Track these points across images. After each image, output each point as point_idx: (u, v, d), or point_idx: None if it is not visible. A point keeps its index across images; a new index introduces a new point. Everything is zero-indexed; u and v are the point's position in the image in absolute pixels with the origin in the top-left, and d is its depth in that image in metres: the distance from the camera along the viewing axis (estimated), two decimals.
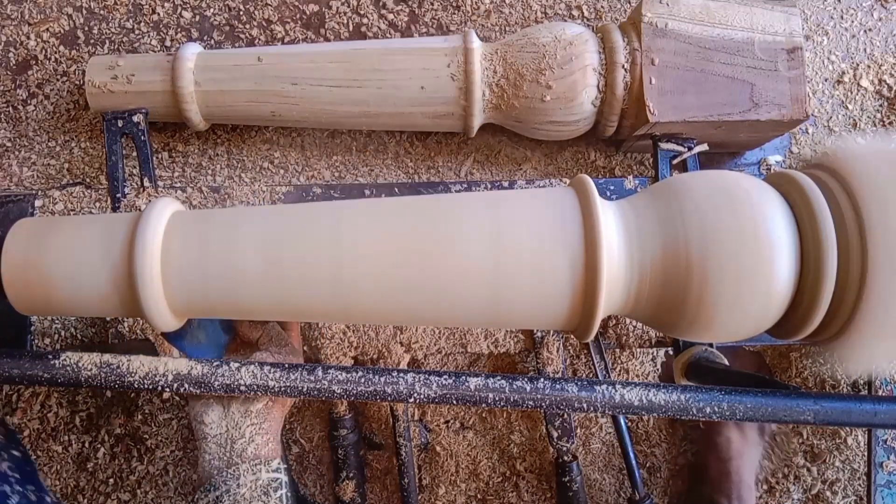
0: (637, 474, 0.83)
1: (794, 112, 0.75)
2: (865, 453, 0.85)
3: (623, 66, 0.75)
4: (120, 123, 0.79)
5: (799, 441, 0.89)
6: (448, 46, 0.77)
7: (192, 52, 0.78)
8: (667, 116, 0.74)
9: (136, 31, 0.90)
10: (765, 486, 0.89)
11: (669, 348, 0.87)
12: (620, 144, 0.87)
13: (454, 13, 0.91)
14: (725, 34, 0.75)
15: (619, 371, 0.89)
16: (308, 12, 0.91)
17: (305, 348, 0.80)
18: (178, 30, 0.90)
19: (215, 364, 0.55)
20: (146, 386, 0.54)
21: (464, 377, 0.54)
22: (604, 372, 0.82)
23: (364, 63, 0.77)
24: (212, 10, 0.90)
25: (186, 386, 0.54)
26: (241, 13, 0.90)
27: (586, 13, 0.91)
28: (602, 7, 0.92)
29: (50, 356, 0.55)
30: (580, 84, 0.75)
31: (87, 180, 0.88)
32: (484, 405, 0.54)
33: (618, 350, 0.87)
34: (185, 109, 0.79)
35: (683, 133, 0.79)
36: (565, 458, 0.83)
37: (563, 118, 0.77)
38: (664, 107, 0.74)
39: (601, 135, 0.83)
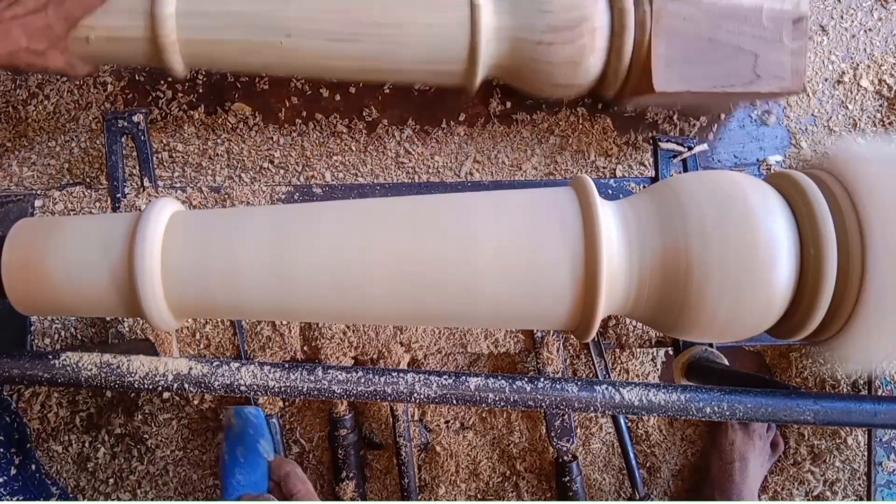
0: (637, 474, 0.83)
1: (792, 84, 0.75)
2: (865, 453, 0.85)
3: (632, 30, 0.73)
4: (120, 123, 0.79)
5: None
6: (454, 0, 0.74)
7: None
8: (672, 86, 0.73)
9: None
10: (769, 493, 0.89)
11: (669, 348, 0.87)
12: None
13: None
14: (734, 1, 0.74)
15: (619, 371, 0.89)
16: None
17: (305, 348, 0.80)
18: None
19: (215, 364, 0.55)
20: (146, 386, 0.54)
21: (464, 377, 0.54)
22: (604, 372, 0.82)
23: (364, 16, 0.73)
24: None
25: (186, 386, 0.54)
26: None
27: None
28: None
29: (50, 356, 0.55)
30: (588, 47, 0.73)
31: (87, 180, 0.88)
32: (484, 405, 0.54)
33: (618, 350, 0.87)
34: (168, 59, 0.73)
35: (681, 100, 0.78)
36: (565, 458, 0.83)
37: (569, 81, 0.76)
38: (670, 76, 0.73)
39: (602, 95, 0.81)
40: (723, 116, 0.91)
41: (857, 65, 0.93)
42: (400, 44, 0.73)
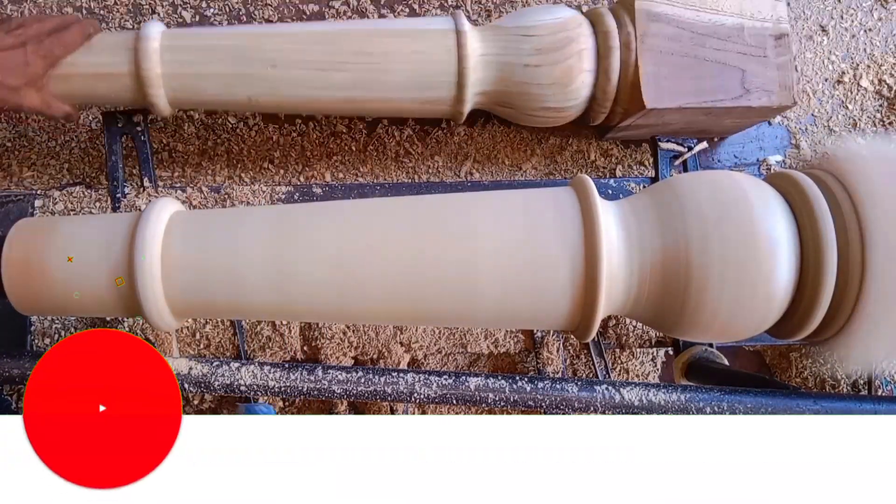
0: None
1: (781, 98, 0.75)
2: None
3: (618, 51, 0.74)
4: (120, 123, 0.79)
5: None
6: (439, 28, 0.74)
7: (157, 31, 0.71)
8: (662, 103, 0.73)
9: None
10: None
11: (669, 348, 0.87)
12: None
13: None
14: (716, 19, 0.75)
15: (619, 371, 0.89)
16: (308, 12, 0.91)
17: (305, 348, 0.80)
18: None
19: (215, 364, 0.55)
20: None
21: (464, 377, 0.54)
22: (604, 372, 0.82)
23: (351, 45, 0.72)
24: (212, 10, 0.90)
25: (186, 386, 0.54)
26: (241, 13, 0.90)
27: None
28: None
29: None
30: (576, 68, 0.73)
31: (87, 180, 0.88)
32: (484, 405, 0.54)
33: (618, 350, 0.87)
34: (151, 94, 0.71)
35: (672, 121, 0.78)
36: None
37: (558, 104, 0.75)
38: (660, 93, 0.74)
39: (590, 121, 0.81)
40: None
41: (857, 65, 0.93)
42: (387, 71, 0.72)
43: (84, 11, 0.90)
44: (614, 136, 0.87)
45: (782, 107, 0.76)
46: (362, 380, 0.54)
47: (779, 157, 0.92)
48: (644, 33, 0.74)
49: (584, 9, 0.81)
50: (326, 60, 0.72)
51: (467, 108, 0.77)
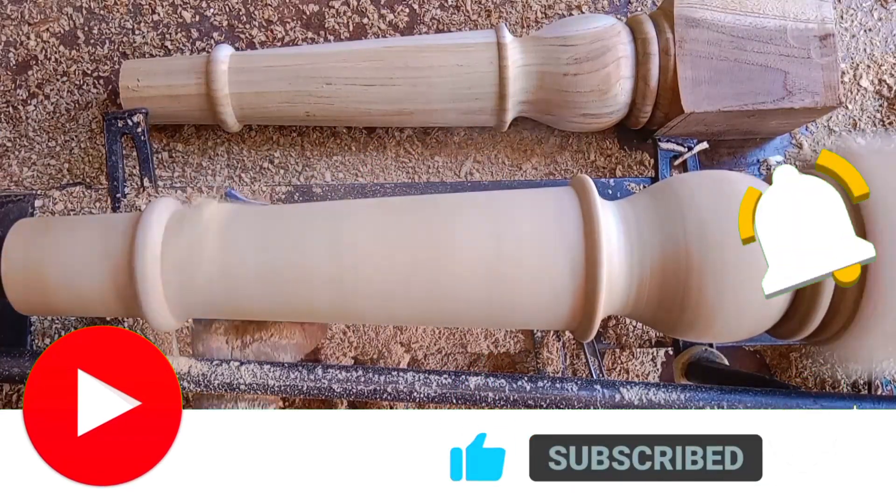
0: None
1: (826, 99, 0.75)
2: None
3: (657, 57, 0.75)
4: (120, 123, 0.79)
5: None
6: (481, 42, 0.77)
7: (225, 54, 0.78)
8: (701, 107, 0.74)
9: (136, 31, 0.90)
10: None
11: (669, 348, 0.87)
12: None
13: (454, 13, 0.91)
14: (758, 22, 0.75)
15: (619, 371, 0.89)
16: (308, 12, 0.91)
17: None
18: (178, 29, 0.90)
19: (215, 363, 0.55)
20: None
21: (464, 377, 0.54)
22: (597, 371, 0.82)
23: (397, 61, 0.77)
24: (212, 10, 0.90)
25: (186, 385, 0.54)
26: (241, 13, 0.90)
27: (586, 12, 0.91)
28: (602, 6, 0.92)
29: None
30: (614, 76, 0.75)
31: (87, 180, 0.88)
32: (484, 405, 0.54)
33: (618, 350, 0.87)
34: (221, 112, 0.79)
35: (715, 123, 0.79)
36: None
37: (597, 110, 0.77)
38: (698, 97, 0.74)
39: (633, 125, 0.83)
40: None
41: (857, 65, 0.93)
42: (432, 84, 0.77)
43: (84, 11, 0.90)
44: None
45: (827, 108, 0.76)
46: (362, 379, 0.54)
47: (779, 158, 0.92)
48: (682, 38, 0.74)
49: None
50: (375, 76, 0.77)
51: (510, 116, 0.80)
